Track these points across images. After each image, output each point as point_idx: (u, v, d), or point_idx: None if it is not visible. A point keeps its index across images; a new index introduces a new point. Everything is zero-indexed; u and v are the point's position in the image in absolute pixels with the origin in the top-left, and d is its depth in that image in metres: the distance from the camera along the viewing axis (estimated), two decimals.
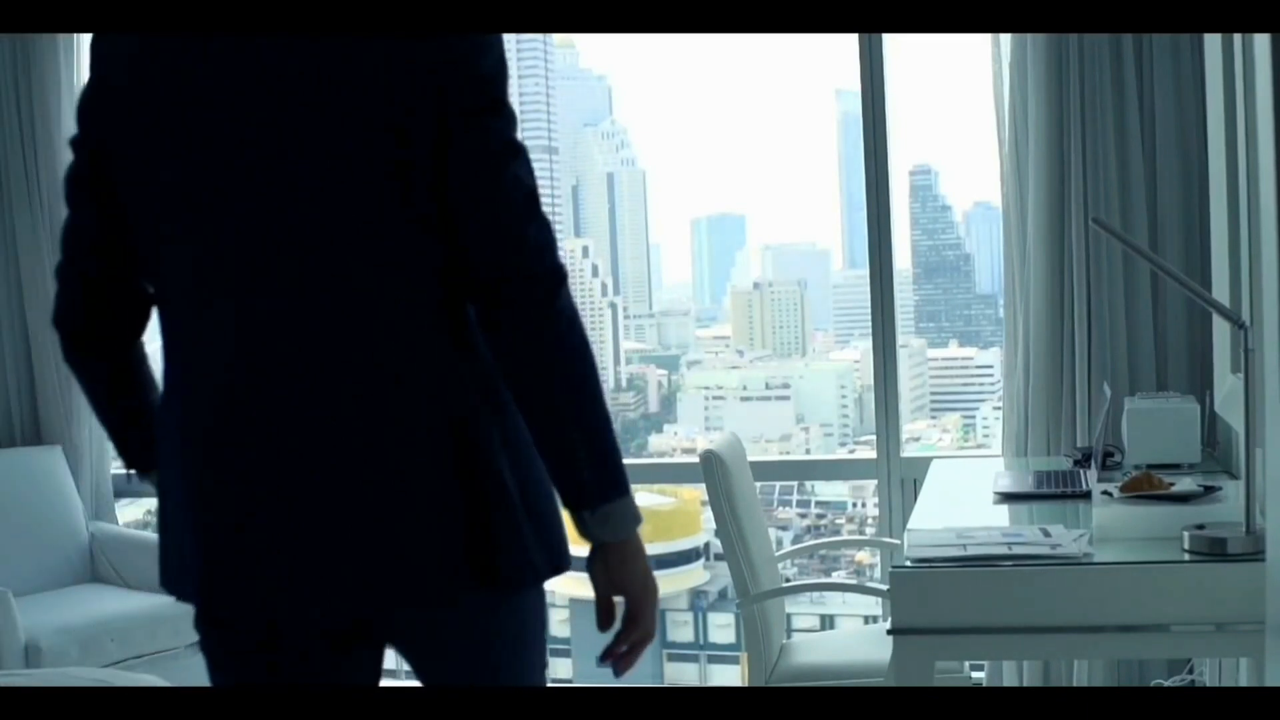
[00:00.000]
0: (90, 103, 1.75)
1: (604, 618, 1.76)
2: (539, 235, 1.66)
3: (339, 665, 1.80)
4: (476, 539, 1.68)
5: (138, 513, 5.54)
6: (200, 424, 1.71)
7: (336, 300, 1.65)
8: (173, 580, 1.79)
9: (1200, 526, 2.63)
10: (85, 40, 4.75)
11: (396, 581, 1.69)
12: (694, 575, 5.69)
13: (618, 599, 1.75)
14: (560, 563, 1.78)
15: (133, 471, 1.97)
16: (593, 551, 1.75)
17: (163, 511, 1.81)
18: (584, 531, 1.73)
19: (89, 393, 1.93)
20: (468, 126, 1.64)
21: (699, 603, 5.69)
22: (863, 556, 5.29)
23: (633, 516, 1.72)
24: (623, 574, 1.74)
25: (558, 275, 1.67)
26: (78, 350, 1.89)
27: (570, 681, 5.14)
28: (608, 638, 1.78)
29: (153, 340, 1.90)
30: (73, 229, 1.82)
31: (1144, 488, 2.87)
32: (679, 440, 5.53)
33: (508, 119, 1.68)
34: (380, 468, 1.66)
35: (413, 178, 1.64)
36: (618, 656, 1.76)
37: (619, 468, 1.71)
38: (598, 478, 1.69)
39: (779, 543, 4.81)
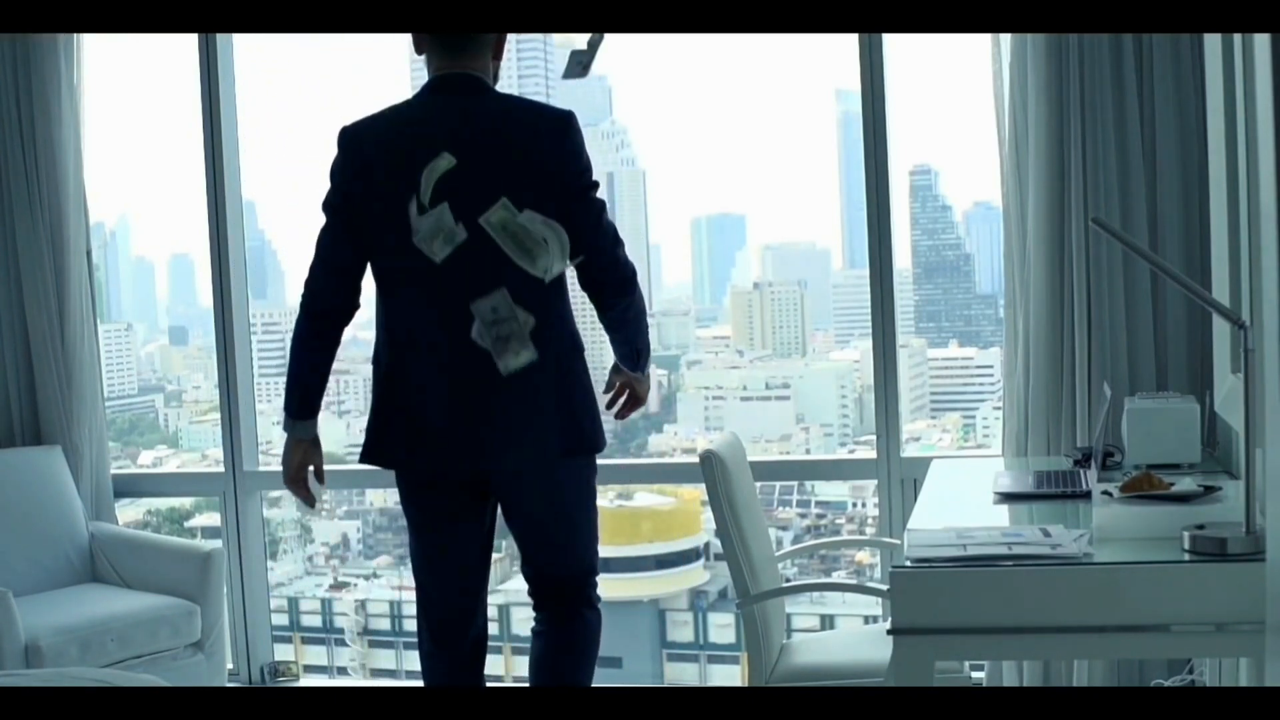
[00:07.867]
0: (347, 181, 3.17)
1: (613, 393, 3.38)
2: (623, 255, 3.24)
3: (474, 507, 3.29)
4: (568, 427, 3.19)
5: (137, 513, 5.54)
6: (417, 360, 3.15)
7: (503, 286, 3.09)
8: (379, 454, 3.26)
9: (1200, 526, 2.63)
10: (85, 40, 4.75)
11: (527, 452, 3.17)
12: (694, 575, 5.68)
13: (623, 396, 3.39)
14: (599, 440, 3.28)
15: (295, 421, 3.28)
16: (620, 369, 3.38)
17: (379, 412, 3.24)
18: (628, 372, 3.35)
19: (311, 357, 3.25)
20: (583, 197, 3.17)
21: (699, 603, 5.68)
22: (863, 556, 5.29)
23: (648, 374, 3.41)
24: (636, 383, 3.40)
25: (633, 273, 3.25)
26: (321, 325, 3.24)
27: None
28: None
29: None
30: (330, 252, 3.21)
31: (1144, 488, 2.87)
32: (679, 440, 5.52)
33: (597, 188, 3.19)
34: (523, 386, 3.12)
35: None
36: (619, 405, 3.39)
37: (648, 357, 3.37)
38: (643, 364, 3.36)
39: (779, 543, 4.81)
